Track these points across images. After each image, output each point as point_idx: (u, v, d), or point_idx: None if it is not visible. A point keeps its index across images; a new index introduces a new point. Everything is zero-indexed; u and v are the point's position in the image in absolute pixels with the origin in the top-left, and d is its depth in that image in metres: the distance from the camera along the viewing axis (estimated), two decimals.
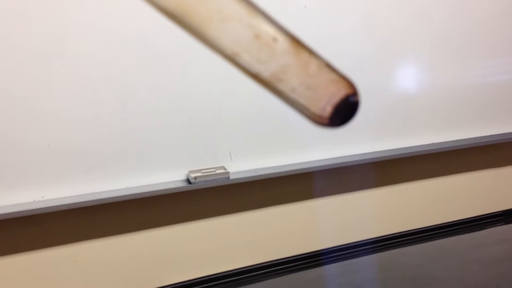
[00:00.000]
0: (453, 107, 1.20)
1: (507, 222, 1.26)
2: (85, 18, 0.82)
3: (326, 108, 0.16)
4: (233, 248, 1.12)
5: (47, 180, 0.88)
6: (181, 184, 0.95)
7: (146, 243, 1.03)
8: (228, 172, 0.97)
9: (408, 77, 1.15)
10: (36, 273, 0.96)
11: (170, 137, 0.95)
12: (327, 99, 0.16)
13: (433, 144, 1.19)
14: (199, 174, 0.95)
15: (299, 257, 1.14)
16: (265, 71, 0.16)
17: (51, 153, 0.86)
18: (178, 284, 1.04)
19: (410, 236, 1.18)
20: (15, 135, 0.83)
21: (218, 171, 0.97)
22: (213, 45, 0.16)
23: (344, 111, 0.17)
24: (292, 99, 0.16)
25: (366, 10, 1.04)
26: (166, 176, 0.95)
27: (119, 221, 1.00)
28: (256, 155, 1.03)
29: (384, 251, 1.11)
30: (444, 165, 1.31)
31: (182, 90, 0.92)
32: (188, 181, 0.95)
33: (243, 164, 1.02)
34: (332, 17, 1.02)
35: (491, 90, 1.24)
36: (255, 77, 0.16)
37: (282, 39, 0.16)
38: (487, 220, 1.25)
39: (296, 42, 0.16)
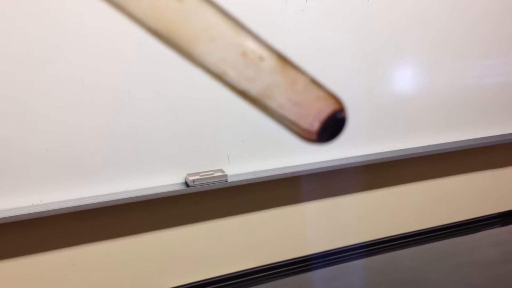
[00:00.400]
0: (451, 108, 1.21)
1: (503, 224, 1.26)
2: (84, 23, 0.82)
3: (314, 124, 0.17)
4: (232, 250, 1.12)
5: (46, 184, 0.88)
6: (179, 187, 0.95)
7: (144, 246, 1.03)
8: (226, 175, 0.98)
9: (405, 79, 1.15)
10: (35, 277, 0.96)
11: (168, 140, 0.95)
12: (314, 115, 0.17)
13: (429, 146, 1.19)
14: (197, 177, 0.95)
15: (297, 259, 1.14)
16: (253, 89, 0.16)
17: (49, 157, 0.87)
18: None
19: (406, 238, 1.18)
20: (13, 139, 0.83)
21: (216, 174, 0.98)
22: (201, 63, 0.16)
23: (331, 127, 0.17)
24: (280, 115, 0.17)
25: (363, 12, 1.05)
26: (165, 179, 0.96)
27: (118, 225, 1.01)
28: (254, 158, 1.03)
29: (380, 254, 1.11)
30: (441, 167, 1.31)
31: (180, 93, 0.92)
32: (187, 184, 0.96)
33: (241, 167, 1.02)
34: (329, 19, 1.02)
35: (489, 91, 1.24)
36: (243, 94, 0.16)
37: (268, 57, 0.16)
38: (483, 222, 1.26)
39: (282, 59, 0.16)
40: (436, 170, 1.31)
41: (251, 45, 0.16)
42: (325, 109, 0.17)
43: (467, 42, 1.17)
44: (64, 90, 0.84)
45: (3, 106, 0.81)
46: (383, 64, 1.10)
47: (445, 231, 1.19)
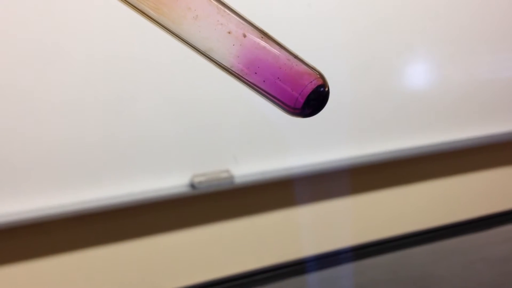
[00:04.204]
0: (460, 104, 1.20)
1: None
2: (88, 20, 0.83)
3: (298, 99, 0.18)
4: (238, 251, 1.12)
5: (47, 187, 0.88)
6: (185, 189, 0.96)
7: (150, 248, 1.04)
8: (232, 176, 0.98)
9: (416, 75, 1.14)
10: (38, 281, 0.96)
11: (173, 142, 0.95)
12: (298, 90, 0.17)
13: (442, 143, 1.18)
14: (203, 178, 0.96)
15: (307, 259, 1.14)
16: (237, 64, 0.17)
17: (51, 159, 0.87)
18: None
19: (415, 237, 1.18)
20: (14, 142, 0.84)
21: (222, 175, 0.98)
22: (188, 41, 0.17)
23: (315, 101, 0.18)
24: (264, 90, 0.17)
25: (373, 7, 1.04)
26: (170, 181, 0.96)
27: (123, 227, 1.01)
28: (261, 158, 1.03)
29: (389, 252, 1.11)
30: (452, 165, 1.30)
31: (186, 94, 0.93)
32: (192, 185, 0.96)
33: (248, 167, 1.02)
34: (338, 14, 1.02)
35: (504, 85, 1.22)
36: (228, 70, 0.17)
37: (251, 35, 0.17)
38: (494, 220, 1.25)
39: (266, 36, 0.17)
40: (447, 168, 1.30)
41: (235, 22, 0.17)
42: (309, 84, 0.17)
43: (479, 37, 1.15)
44: (67, 91, 0.85)
45: (3, 109, 0.82)
46: (393, 60, 1.10)
47: (455, 229, 1.19)
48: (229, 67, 0.17)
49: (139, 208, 0.99)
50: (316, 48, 1.02)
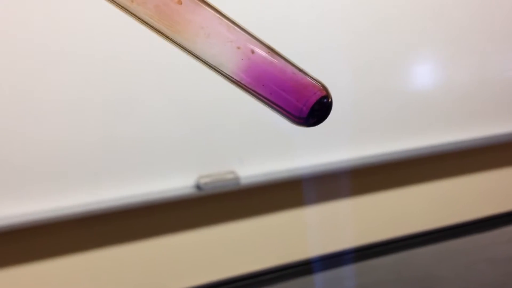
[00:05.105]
0: (463, 105, 1.20)
1: None
2: (90, 20, 0.83)
3: (302, 109, 0.19)
4: (245, 252, 1.13)
5: (51, 189, 0.88)
6: (191, 190, 0.97)
7: (156, 249, 1.04)
8: (238, 177, 0.99)
9: (420, 75, 1.15)
10: (43, 283, 0.96)
11: (179, 143, 0.96)
12: (303, 101, 0.19)
13: (447, 143, 1.18)
14: (209, 179, 0.97)
15: (310, 259, 1.15)
16: (246, 78, 0.18)
17: (56, 161, 0.87)
18: None
19: (419, 237, 1.18)
20: (17, 144, 0.84)
21: (228, 176, 0.99)
22: (200, 57, 0.19)
23: (319, 111, 0.19)
24: (271, 101, 0.19)
25: (377, 7, 1.04)
26: (176, 182, 0.96)
27: (128, 229, 1.01)
28: (267, 159, 1.04)
29: (393, 253, 1.12)
30: (456, 165, 1.30)
31: (191, 95, 0.94)
32: (198, 186, 0.97)
33: (253, 168, 1.02)
34: (341, 14, 1.02)
35: (507, 85, 1.22)
36: (237, 83, 0.19)
37: (259, 50, 0.18)
38: (497, 220, 1.25)
39: (273, 51, 0.19)
40: (451, 168, 1.30)
41: (244, 39, 0.18)
42: (313, 96, 0.19)
43: (481, 37, 1.16)
44: (72, 92, 0.85)
45: (8, 111, 0.82)
46: (394, 60, 1.10)
47: (458, 229, 1.20)
48: (238, 80, 0.19)
49: (145, 209, 0.99)
50: (318, 49, 1.03)
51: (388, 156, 1.14)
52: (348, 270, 1.10)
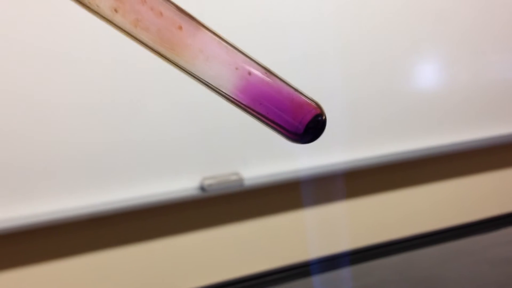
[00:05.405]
0: (467, 105, 1.20)
1: None
2: (96, 26, 0.85)
3: (298, 127, 0.20)
4: (250, 253, 1.14)
5: (58, 191, 0.89)
6: (195, 191, 0.98)
7: (161, 251, 1.05)
8: (242, 179, 1.00)
9: (424, 76, 1.15)
10: (52, 283, 0.98)
11: (183, 145, 0.97)
12: (298, 119, 0.20)
13: (450, 144, 1.19)
14: (213, 181, 0.98)
15: (315, 260, 1.15)
16: (244, 98, 0.19)
17: (62, 163, 0.88)
18: None
19: (424, 238, 1.19)
20: (24, 147, 0.86)
21: (232, 178, 1.00)
22: (199, 79, 0.19)
23: (313, 129, 0.20)
24: (268, 119, 0.20)
25: (379, 8, 1.05)
26: (180, 184, 0.98)
27: (133, 230, 1.02)
28: (270, 161, 1.05)
29: (396, 254, 1.12)
30: (459, 166, 1.31)
31: (194, 97, 0.94)
32: (202, 188, 0.98)
33: (257, 170, 1.03)
34: (345, 15, 1.02)
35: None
36: (235, 102, 0.20)
37: (256, 71, 0.19)
38: (502, 220, 1.25)
39: (269, 72, 0.20)
40: (454, 169, 1.31)
41: (242, 61, 0.19)
42: (308, 114, 0.20)
43: (486, 37, 1.16)
44: (77, 95, 0.87)
45: (15, 115, 0.84)
46: (399, 61, 1.10)
47: (462, 230, 1.20)
48: (237, 99, 0.20)
49: (149, 211, 1.01)
50: (322, 50, 1.03)
51: (392, 157, 1.14)
52: (352, 271, 1.10)
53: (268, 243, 1.15)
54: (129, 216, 0.99)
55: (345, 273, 1.09)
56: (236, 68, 0.19)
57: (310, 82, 0.96)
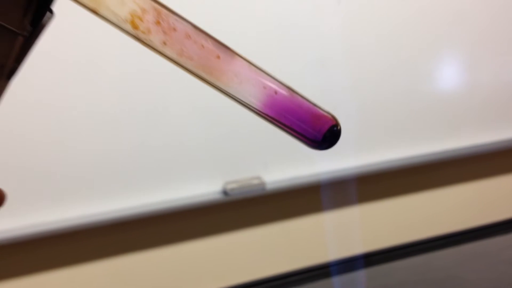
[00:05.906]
0: (493, 106, 1.20)
1: None
2: (124, 42, 0.88)
3: (316, 136, 0.24)
4: (272, 255, 1.15)
5: (83, 196, 0.92)
6: (218, 196, 1.00)
7: (185, 254, 1.08)
8: (264, 183, 1.02)
9: (444, 78, 1.15)
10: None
11: (206, 150, 0.99)
12: (317, 129, 0.24)
13: (471, 146, 1.19)
14: (236, 185, 1.01)
15: (335, 262, 1.17)
16: (270, 112, 0.23)
17: (88, 169, 0.91)
18: None
19: (443, 239, 1.20)
20: (53, 154, 0.88)
21: (254, 182, 1.02)
22: (233, 97, 0.24)
23: (330, 137, 0.24)
24: (291, 129, 0.24)
25: (400, 11, 1.06)
26: (203, 188, 1.00)
27: (158, 234, 1.05)
28: (291, 165, 1.06)
29: (415, 255, 1.14)
30: (480, 168, 1.30)
31: (217, 103, 0.97)
32: (225, 192, 1.01)
33: (278, 174, 1.05)
34: (365, 17, 1.04)
35: None
36: (264, 116, 0.24)
37: (281, 90, 0.23)
38: None
39: (291, 90, 0.24)
40: (473, 172, 1.31)
41: (269, 81, 0.23)
42: (325, 125, 0.24)
43: (507, 38, 1.15)
44: (101, 104, 0.89)
45: (37, 124, 0.86)
46: (416, 63, 1.11)
47: (480, 232, 1.21)
48: (264, 113, 0.24)
49: (173, 215, 1.02)
50: (341, 52, 1.04)
51: (412, 160, 1.15)
52: (371, 272, 1.12)
53: (289, 245, 1.17)
54: (153, 220, 1.01)
55: (364, 274, 1.11)
56: (264, 88, 0.23)
57: (323, 87, 0.99)
